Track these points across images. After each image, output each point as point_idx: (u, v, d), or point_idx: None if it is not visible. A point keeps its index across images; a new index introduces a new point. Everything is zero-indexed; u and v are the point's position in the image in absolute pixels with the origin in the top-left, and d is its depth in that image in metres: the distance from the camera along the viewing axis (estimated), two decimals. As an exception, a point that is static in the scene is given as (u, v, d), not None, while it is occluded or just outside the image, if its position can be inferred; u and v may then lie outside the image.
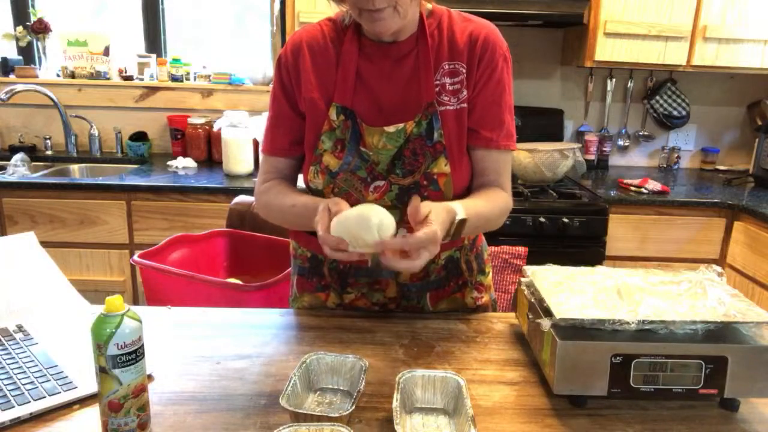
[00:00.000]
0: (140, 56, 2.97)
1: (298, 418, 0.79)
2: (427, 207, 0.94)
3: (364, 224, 0.91)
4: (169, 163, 2.75)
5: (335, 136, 1.10)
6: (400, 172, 1.10)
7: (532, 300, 1.00)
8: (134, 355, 0.75)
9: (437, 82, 1.09)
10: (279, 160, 1.17)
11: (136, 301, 2.45)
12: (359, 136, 1.10)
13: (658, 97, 2.93)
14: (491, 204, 1.10)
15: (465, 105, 1.10)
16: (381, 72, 1.10)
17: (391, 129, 1.08)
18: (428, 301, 1.20)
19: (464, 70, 1.09)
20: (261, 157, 1.21)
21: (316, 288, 1.22)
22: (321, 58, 1.11)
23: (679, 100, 2.92)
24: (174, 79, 2.92)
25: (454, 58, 1.10)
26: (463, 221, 0.99)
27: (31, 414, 0.83)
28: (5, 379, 0.90)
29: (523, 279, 1.06)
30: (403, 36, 1.09)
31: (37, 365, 0.94)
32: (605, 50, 2.55)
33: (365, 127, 1.09)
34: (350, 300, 1.19)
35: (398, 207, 1.12)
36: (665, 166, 3.07)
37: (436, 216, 0.94)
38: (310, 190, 1.17)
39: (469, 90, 1.10)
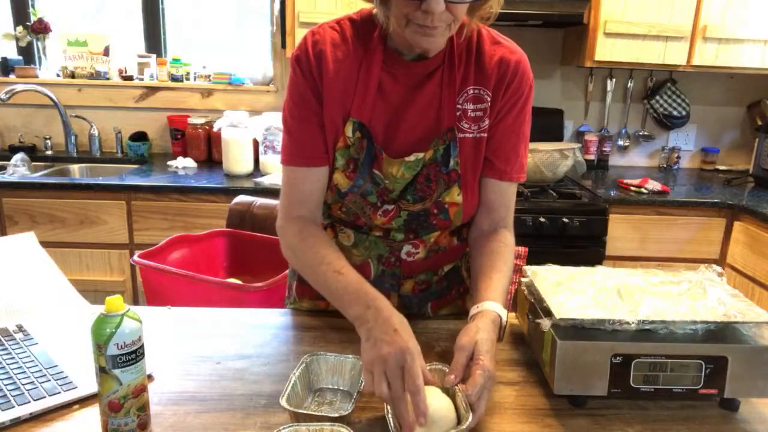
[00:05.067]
0: (140, 56, 2.97)
1: (298, 418, 0.79)
2: (473, 340, 0.86)
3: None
4: (169, 163, 2.75)
5: (348, 154, 1.04)
6: (411, 198, 1.06)
7: (532, 300, 1.00)
8: (134, 355, 0.75)
9: (459, 106, 1.03)
10: (312, 177, 1.05)
11: (136, 301, 2.45)
12: (373, 158, 1.04)
13: (658, 97, 2.93)
14: (509, 270, 1.05)
15: (485, 135, 1.05)
16: (402, 89, 1.03)
17: (411, 158, 1.03)
18: (429, 309, 1.20)
19: (489, 98, 1.04)
20: (283, 173, 1.07)
21: (316, 296, 1.18)
22: (342, 67, 1.01)
23: (679, 100, 2.92)
24: (174, 79, 2.92)
25: (480, 83, 1.03)
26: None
27: (31, 414, 0.83)
28: (5, 379, 0.90)
29: (523, 279, 1.06)
30: (432, 53, 1.01)
31: (37, 365, 0.94)
32: (605, 50, 2.55)
33: (385, 158, 1.03)
34: None
35: (403, 231, 1.10)
36: (665, 166, 3.07)
37: (486, 346, 0.87)
38: None
39: (491, 119, 1.05)
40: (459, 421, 0.80)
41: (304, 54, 1.02)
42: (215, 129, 2.74)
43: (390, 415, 0.79)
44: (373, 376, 0.80)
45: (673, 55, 2.57)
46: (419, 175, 1.05)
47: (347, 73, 1.02)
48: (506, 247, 1.08)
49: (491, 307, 0.94)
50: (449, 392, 0.84)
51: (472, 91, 1.03)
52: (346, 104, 1.02)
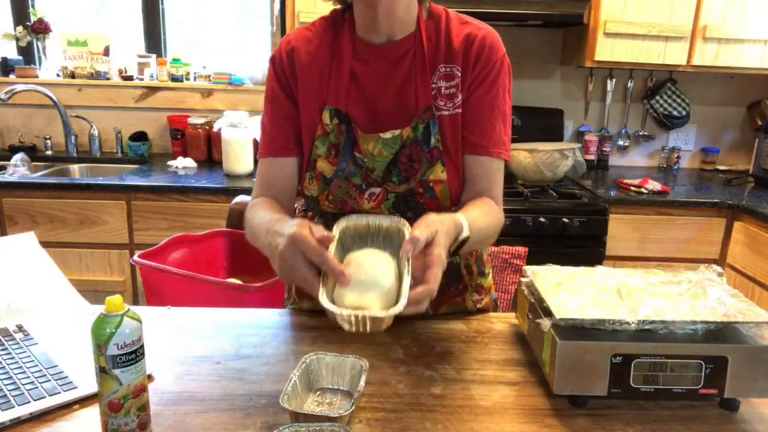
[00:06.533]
0: (140, 56, 2.97)
1: (298, 418, 0.79)
2: (434, 225, 0.86)
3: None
4: (169, 163, 2.75)
5: (329, 141, 1.08)
6: (396, 179, 1.08)
7: (532, 300, 1.00)
8: (134, 355, 0.75)
9: (433, 85, 1.06)
10: (277, 166, 1.12)
11: (136, 301, 2.45)
12: (353, 141, 1.07)
13: (658, 97, 2.93)
14: (489, 219, 1.04)
15: (460, 110, 1.07)
16: (375, 73, 1.08)
17: (387, 135, 1.06)
18: (429, 306, 1.19)
19: (459, 74, 1.07)
20: (258, 164, 1.15)
21: None
22: (315, 59, 1.09)
23: (679, 100, 2.92)
24: (174, 79, 2.92)
25: (450, 61, 1.07)
26: (466, 239, 0.94)
27: (31, 414, 0.83)
28: (5, 379, 0.90)
29: (523, 279, 1.06)
30: (398, 35, 1.07)
31: (37, 365, 0.94)
32: (605, 50, 2.55)
33: (360, 134, 1.07)
34: None
35: (396, 215, 1.11)
36: (665, 166, 3.07)
37: (444, 234, 0.86)
38: (305, 198, 1.15)
39: (463, 94, 1.07)
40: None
41: (278, 54, 1.11)
42: (215, 129, 2.74)
43: (324, 302, 0.79)
44: (286, 278, 0.85)
45: (673, 55, 2.57)
46: (401, 155, 1.07)
47: (320, 64, 1.08)
48: (488, 203, 1.07)
49: (457, 215, 0.93)
50: (399, 266, 0.85)
51: (443, 69, 1.07)
52: (322, 94, 1.08)
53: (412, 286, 0.81)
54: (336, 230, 0.89)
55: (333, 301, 0.81)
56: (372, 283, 0.81)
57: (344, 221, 0.92)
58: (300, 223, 0.84)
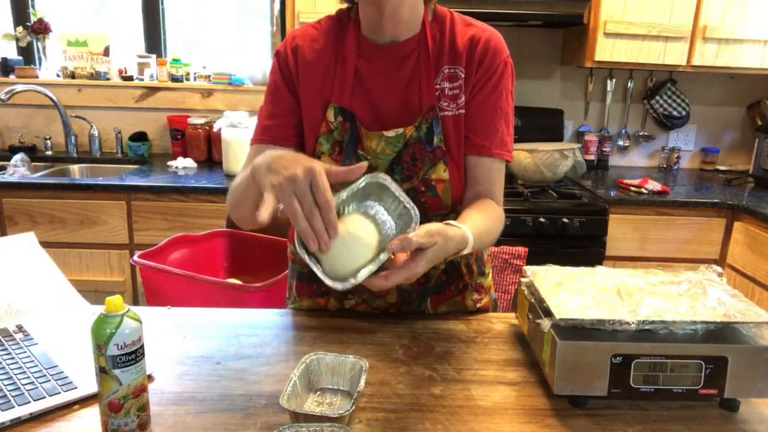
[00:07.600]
0: (140, 56, 2.97)
1: (298, 418, 0.79)
2: (436, 237, 0.89)
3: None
4: (169, 163, 2.75)
5: (333, 138, 1.09)
6: (398, 177, 1.08)
7: (532, 300, 1.00)
8: (134, 355, 0.75)
9: (437, 86, 1.08)
10: (264, 150, 1.13)
11: (136, 301, 2.45)
12: (357, 139, 1.08)
13: (658, 97, 2.93)
14: (491, 224, 1.06)
15: (463, 111, 1.08)
16: (379, 72, 1.09)
17: (390, 133, 1.07)
18: (429, 305, 1.20)
19: (463, 75, 1.08)
20: (249, 151, 1.16)
21: (316, 293, 1.21)
22: (319, 57, 1.10)
23: (679, 100, 2.92)
24: (174, 79, 2.92)
25: (454, 62, 1.08)
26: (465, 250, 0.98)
27: (31, 414, 0.83)
28: (5, 379, 0.90)
29: (523, 279, 1.06)
30: (403, 36, 1.08)
31: (37, 365, 0.94)
32: (605, 50, 2.56)
33: (364, 131, 1.08)
34: (350, 306, 1.19)
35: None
36: (665, 166, 3.07)
37: (441, 248, 0.91)
38: None
39: (466, 95, 1.08)
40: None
41: (283, 49, 1.13)
42: (215, 129, 2.74)
43: (299, 246, 0.86)
44: (283, 196, 0.82)
45: (673, 55, 2.57)
46: (404, 153, 1.08)
47: (325, 63, 1.09)
48: (491, 207, 1.09)
49: (466, 230, 0.96)
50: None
51: (447, 70, 1.08)
52: (326, 92, 1.09)
53: (381, 269, 0.90)
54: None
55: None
56: (359, 236, 0.90)
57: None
58: (318, 161, 0.86)
